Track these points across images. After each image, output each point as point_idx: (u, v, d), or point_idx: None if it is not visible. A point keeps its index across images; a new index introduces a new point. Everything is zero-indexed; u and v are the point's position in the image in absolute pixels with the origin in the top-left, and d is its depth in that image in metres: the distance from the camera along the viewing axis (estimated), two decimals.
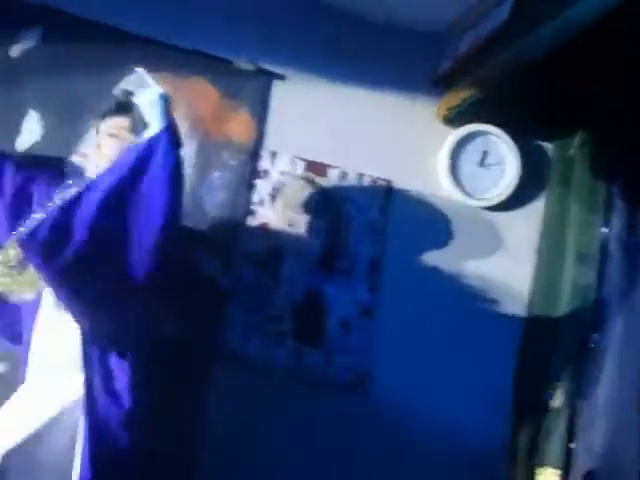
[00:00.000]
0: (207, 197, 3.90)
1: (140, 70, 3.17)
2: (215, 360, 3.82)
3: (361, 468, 3.97)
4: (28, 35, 3.78)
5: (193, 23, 3.96)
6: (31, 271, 3.06)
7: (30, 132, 3.75)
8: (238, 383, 3.83)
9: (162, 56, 3.87)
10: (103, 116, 3.30)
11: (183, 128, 3.80)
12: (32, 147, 3.74)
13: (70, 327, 3.08)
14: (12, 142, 3.72)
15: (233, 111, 3.95)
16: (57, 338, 3.14)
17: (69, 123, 3.78)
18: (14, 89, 3.74)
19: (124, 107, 3.19)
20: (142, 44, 3.86)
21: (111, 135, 3.23)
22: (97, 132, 3.33)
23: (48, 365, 3.15)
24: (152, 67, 3.76)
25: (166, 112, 3.08)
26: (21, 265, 3.10)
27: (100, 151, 3.26)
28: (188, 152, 3.81)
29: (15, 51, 3.78)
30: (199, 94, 3.92)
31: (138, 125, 3.12)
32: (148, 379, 3.14)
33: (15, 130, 3.74)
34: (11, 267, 3.09)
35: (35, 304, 3.18)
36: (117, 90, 3.22)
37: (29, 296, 3.16)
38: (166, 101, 3.11)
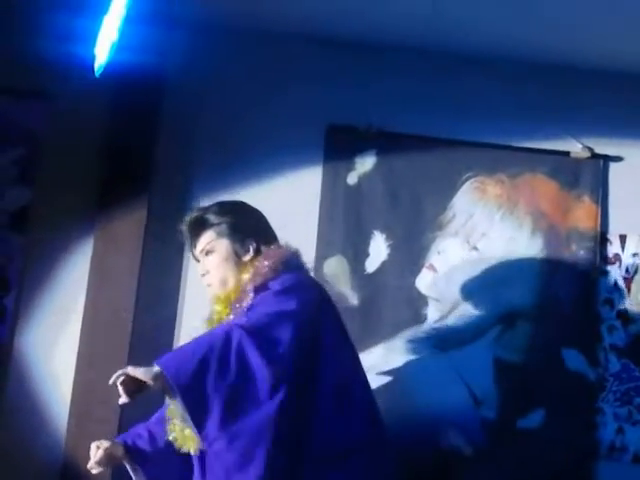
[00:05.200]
0: (561, 290, 3.85)
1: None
2: (594, 455, 3.76)
3: None
4: (363, 161, 3.94)
5: (517, 120, 3.97)
6: None
7: (377, 253, 3.88)
8: (621, 477, 3.76)
9: (496, 158, 3.94)
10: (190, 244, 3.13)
11: (527, 226, 3.89)
12: (381, 267, 3.87)
13: None
14: (362, 264, 3.86)
15: (575, 200, 3.92)
16: None
17: (413, 238, 3.88)
18: (356, 214, 3.90)
19: (200, 225, 3.06)
20: (475, 149, 3.94)
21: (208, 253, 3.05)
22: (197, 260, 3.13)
23: None
24: (488, 170, 3.92)
25: None
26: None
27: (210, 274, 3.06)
28: (535, 247, 3.87)
29: (352, 178, 3.94)
30: (538, 189, 3.92)
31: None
32: None
33: (363, 252, 3.88)
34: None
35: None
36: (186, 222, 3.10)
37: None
38: None
